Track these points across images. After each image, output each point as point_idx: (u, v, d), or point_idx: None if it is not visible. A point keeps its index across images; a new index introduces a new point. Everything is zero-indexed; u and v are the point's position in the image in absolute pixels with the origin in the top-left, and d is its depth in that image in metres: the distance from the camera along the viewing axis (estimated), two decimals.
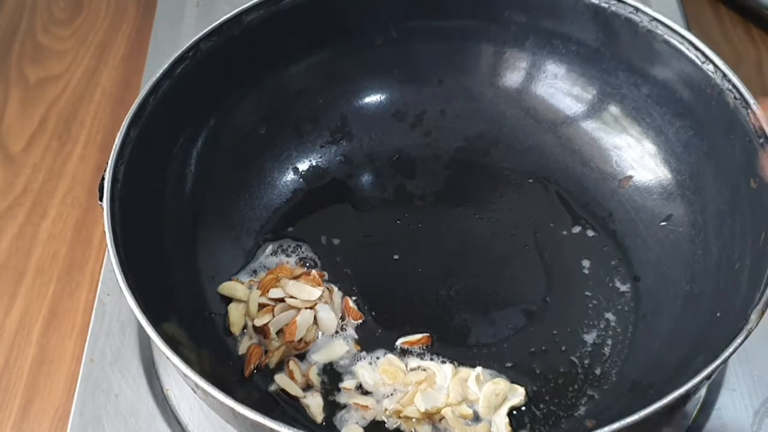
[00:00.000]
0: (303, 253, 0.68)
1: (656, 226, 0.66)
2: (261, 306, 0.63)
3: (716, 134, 0.61)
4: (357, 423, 0.58)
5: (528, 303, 0.64)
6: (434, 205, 0.71)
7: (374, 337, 0.63)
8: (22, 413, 0.66)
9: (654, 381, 0.57)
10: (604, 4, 0.65)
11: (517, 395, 0.59)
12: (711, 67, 0.60)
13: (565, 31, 0.69)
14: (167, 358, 0.48)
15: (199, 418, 0.62)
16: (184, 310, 0.59)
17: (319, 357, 0.61)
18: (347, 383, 0.60)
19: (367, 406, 0.58)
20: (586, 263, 0.66)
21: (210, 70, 0.64)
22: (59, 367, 0.69)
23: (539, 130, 0.73)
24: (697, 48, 0.61)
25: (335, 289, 0.65)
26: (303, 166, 0.72)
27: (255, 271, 0.66)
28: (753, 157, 0.56)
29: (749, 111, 0.57)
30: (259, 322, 0.62)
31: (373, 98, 0.74)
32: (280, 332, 0.62)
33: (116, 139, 0.57)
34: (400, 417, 0.58)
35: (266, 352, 0.61)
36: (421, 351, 0.62)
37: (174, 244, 0.62)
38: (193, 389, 0.52)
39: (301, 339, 0.62)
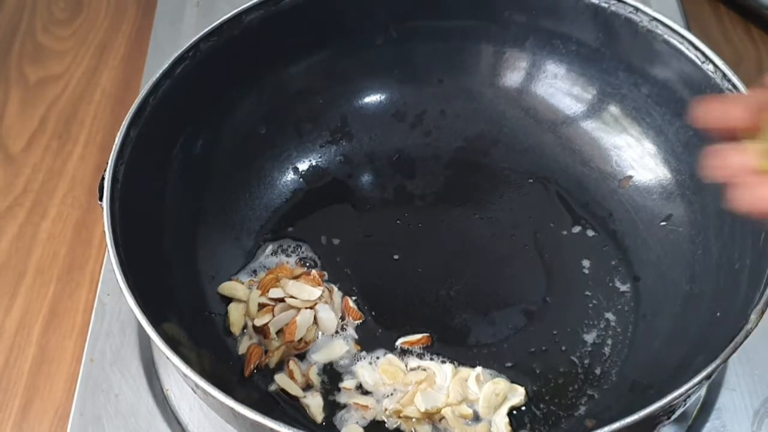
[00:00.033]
0: (303, 253, 0.68)
1: (656, 226, 0.66)
2: (261, 306, 0.63)
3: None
4: (357, 423, 0.58)
5: (528, 303, 0.64)
6: (434, 205, 0.71)
7: (374, 337, 0.63)
8: (22, 413, 0.66)
9: (654, 381, 0.57)
10: (604, 4, 0.65)
11: (517, 395, 0.59)
12: (711, 67, 0.60)
13: (565, 31, 0.69)
14: (167, 358, 0.48)
15: (199, 418, 0.62)
16: (184, 310, 0.59)
17: (319, 357, 0.61)
18: (347, 383, 0.60)
19: (367, 406, 0.58)
20: (586, 263, 0.66)
21: (210, 70, 0.64)
22: (59, 367, 0.69)
23: (539, 130, 0.73)
24: (697, 48, 0.61)
25: (335, 289, 0.65)
26: (303, 166, 0.72)
27: (255, 271, 0.66)
28: None
29: None
30: (259, 322, 0.62)
31: (373, 98, 0.74)
32: (280, 332, 0.62)
33: (116, 139, 0.57)
34: (400, 417, 0.58)
35: (266, 352, 0.61)
36: (421, 351, 0.62)
37: (174, 244, 0.62)
38: (193, 389, 0.52)
39: (301, 339, 0.62)
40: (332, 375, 0.61)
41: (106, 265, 0.72)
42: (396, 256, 0.67)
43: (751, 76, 0.87)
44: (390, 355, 0.61)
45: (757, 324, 0.49)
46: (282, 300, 0.63)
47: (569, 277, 0.66)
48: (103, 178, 0.56)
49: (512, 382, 0.59)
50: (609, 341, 0.62)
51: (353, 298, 0.65)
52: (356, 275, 0.66)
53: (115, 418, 0.62)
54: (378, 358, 0.62)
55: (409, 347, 0.62)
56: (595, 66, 0.69)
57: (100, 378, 0.64)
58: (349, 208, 0.71)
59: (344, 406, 0.59)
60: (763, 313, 0.49)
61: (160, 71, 0.61)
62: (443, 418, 0.58)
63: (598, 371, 0.61)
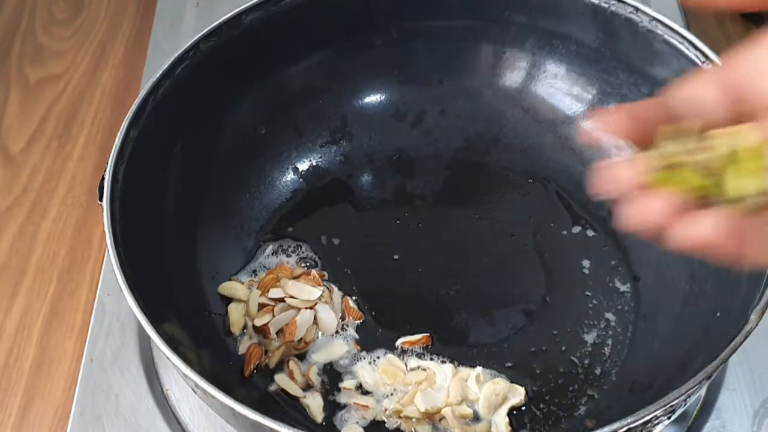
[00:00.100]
0: (303, 253, 0.68)
1: None
2: (261, 306, 0.63)
3: None
4: (357, 423, 0.58)
5: (528, 303, 0.64)
6: (434, 205, 0.71)
7: (374, 337, 0.63)
8: (22, 413, 0.66)
9: (654, 381, 0.57)
10: (604, 4, 0.65)
11: (517, 395, 0.59)
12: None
13: (565, 31, 0.69)
14: (167, 358, 0.48)
15: (199, 418, 0.62)
16: (184, 310, 0.59)
17: (319, 357, 0.61)
18: (347, 383, 0.60)
19: (367, 406, 0.58)
20: (586, 263, 0.66)
21: (210, 71, 0.64)
22: (59, 367, 0.69)
23: (539, 130, 0.73)
24: (697, 48, 0.61)
25: (335, 289, 0.65)
26: (303, 166, 0.72)
27: (255, 271, 0.66)
28: None
29: None
30: (259, 322, 0.62)
31: (373, 98, 0.74)
32: (280, 332, 0.62)
33: (116, 139, 0.57)
34: (400, 417, 0.58)
35: (266, 352, 0.61)
36: (421, 351, 0.62)
37: (174, 244, 0.62)
38: (193, 389, 0.52)
39: (301, 339, 0.62)
40: (332, 375, 0.61)
41: (106, 265, 0.72)
42: (396, 256, 0.67)
43: None
44: (390, 355, 0.61)
45: (757, 324, 0.48)
46: (282, 300, 0.63)
47: (569, 277, 0.66)
48: (103, 178, 0.56)
49: (512, 382, 0.59)
50: (609, 341, 0.62)
51: (353, 298, 0.65)
52: (356, 275, 0.66)
53: (115, 418, 0.62)
54: (378, 358, 0.61)
55: (409, 347, 0.62)
56: (595, 66, 0.69)
57: (100, 378, 0.64)
58: (349, 208, 0.71)
59: (344, 406, 0.59)
60: (763, 313, 0.49)
61: (160, 71, 0.61)
62: (443, 418, 0.57)
63: (598, 371, 0.61)
